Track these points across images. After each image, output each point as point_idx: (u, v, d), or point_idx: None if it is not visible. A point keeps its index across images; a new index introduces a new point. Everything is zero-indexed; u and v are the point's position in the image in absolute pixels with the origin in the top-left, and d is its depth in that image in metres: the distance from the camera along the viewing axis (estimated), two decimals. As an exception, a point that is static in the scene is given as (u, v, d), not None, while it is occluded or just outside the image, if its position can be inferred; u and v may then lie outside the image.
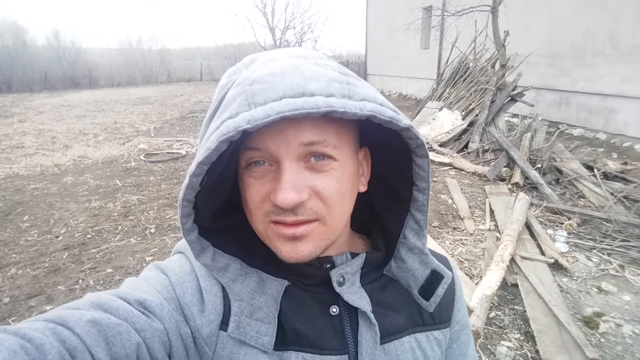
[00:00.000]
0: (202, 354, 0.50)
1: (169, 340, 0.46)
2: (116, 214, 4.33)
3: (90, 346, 0.38)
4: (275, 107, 0.40)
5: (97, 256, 3.43)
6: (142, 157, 6.77)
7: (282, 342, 0.51)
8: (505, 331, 2.48)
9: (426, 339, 0.59)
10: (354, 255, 0.57)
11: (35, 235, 3.90)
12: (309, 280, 0.55)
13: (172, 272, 0.53)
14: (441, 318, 0.62)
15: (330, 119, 0.45)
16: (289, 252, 0.48)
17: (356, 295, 0.54)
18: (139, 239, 3.77)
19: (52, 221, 4.21)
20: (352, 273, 0.55)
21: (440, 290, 0.57)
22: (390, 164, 0.58)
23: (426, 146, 0.50)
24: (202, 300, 0.51)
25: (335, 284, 0.53)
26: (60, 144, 8.03)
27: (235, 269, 0.52)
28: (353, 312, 0.54)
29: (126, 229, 3.97)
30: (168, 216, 4.26)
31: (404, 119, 0.46)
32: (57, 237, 3.84)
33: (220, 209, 0.55)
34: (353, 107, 0.42)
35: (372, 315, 0.53)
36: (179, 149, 7.26)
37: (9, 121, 10.79)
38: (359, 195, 0.59)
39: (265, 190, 0.47)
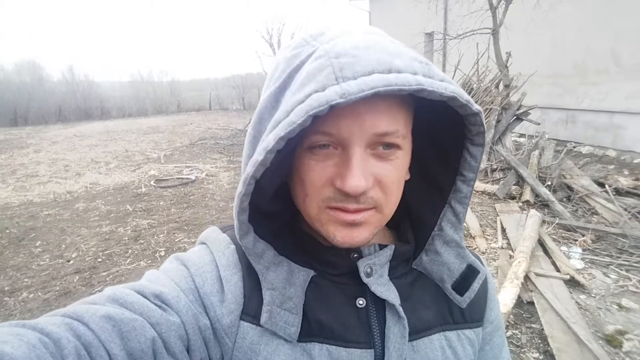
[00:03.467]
0: (222, 345, 0.49)
1: (186, 333, 0.45)
2: (126, 238, 4.36)
3: (104, 341, 0.38)
4: (369, 81, 0.38)
5: (107, 279, 3.43)
6: (152, 182, 6.85)
7: (306, 333, 0.50)
8: (523, 350, 2.40)
9: (457, 338, 0.56)
10: (382, 247, 0.55)
11: (47, 259, 3.93)
12: (336, 270, 0.53)
13: (192, 263, 0.52)
14: (473, 317, 0.58)
15: (402, 106, 0.45)
16: (344, 237, 0.47)
17: (384, 288, 0.52)
18: (149, 262, 3.77)
19: (63, 246, 4.24)
20: (380, 265, 0.53)
21: (476, 285, 0.55)
22: (435, 150, 0.55)
23: (486, 135, 0.48)
24: (222, 290, 0.50)
25: (362, 275, 0.52)
26: (72, 172, 8.18)
27: (269, 256, 0.51)
28: (380, 305, 0.52)
29: (136, 252, 3.99)
30: (178, 239, 4.28)
31: (475, 104, 0.45)
32: (69, 261, 3.86)
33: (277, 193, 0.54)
34: (439, 87, 0.41)
35: (400, 309, 0.51)
36: (188, 175, 7.35)
37: (24, 152, 11.06)
38: None
39: (327, 175, 0.45)
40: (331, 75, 0.40)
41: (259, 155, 0.41)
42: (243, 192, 0.45)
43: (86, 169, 8.39)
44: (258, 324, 0.50)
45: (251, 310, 0.50)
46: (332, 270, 0.53)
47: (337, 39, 0.44)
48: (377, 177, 0.46)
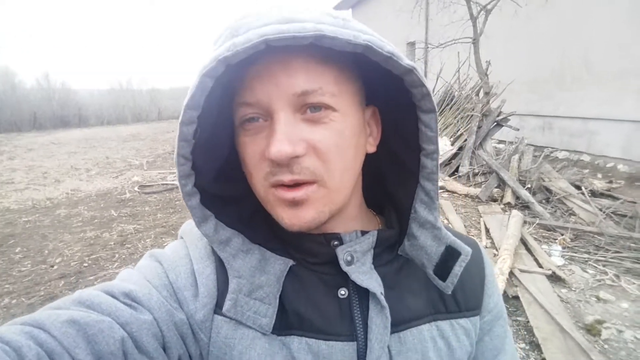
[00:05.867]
0: (198, 340, 0.47)
1: (160, 330, 0.43)
2: (113, 243, 4.29)
3: (68, 347, 0.36)
4: (258, 31, 0.37)
5: (95, 283, 3.36)
6: (136, 188, 6.75)
7: (285, 325, 0.48)
8: (510, 341, 2.49)
9: (450, 328, 0.52)
10: (364, 233, 0.52)
11: (29, 265, 3.82)
12: (315, 259, 0.50)
13: (166, 258, 0.50)
14: (468, 305, 0.54)
15: (326, 63, 0.43)
16: (291, 218, 0.45)
17: (366, 276, 0.49)
18: (137, 266, 3.72)
19: (46, 251, 4.14)
20: (362, 252, 0.50)
21: (458, 269, 0.50)
22: (396, 129, 0.52)
23: (433, 98, 0.44)
24: (195, 284, 0.48)
25: (342, 263, 0.49)
26: (51, 179, 7.97)
27: (236, 243, 0.49)
28: (364, 295, 0.49)
29: (124, 256, 3.93)
30: (165, 243, 4.23)
31: (405, 59, 0.41)
32: (52, 266, 3.77)
33: (223, 174, 0.51)
34: (346, 34, 0.38)
35: (382, 298, 0.48)
36: (173, 180, 7.27)
37: (-2, 159, 10.71)
38: (375, 172, 0.56)
39: (260, 148, 0.44)
40: (229, 36, 0.40)
41: (177, 130, 0.41)
42: (178, 173, 0.44)
43: (66, 176, 8.19)
44: (232, 317, 0.47)
45: (224, 303, 0.48)
46: (310, 258, 0.51)
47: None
48: (310, 142, 0.43)
